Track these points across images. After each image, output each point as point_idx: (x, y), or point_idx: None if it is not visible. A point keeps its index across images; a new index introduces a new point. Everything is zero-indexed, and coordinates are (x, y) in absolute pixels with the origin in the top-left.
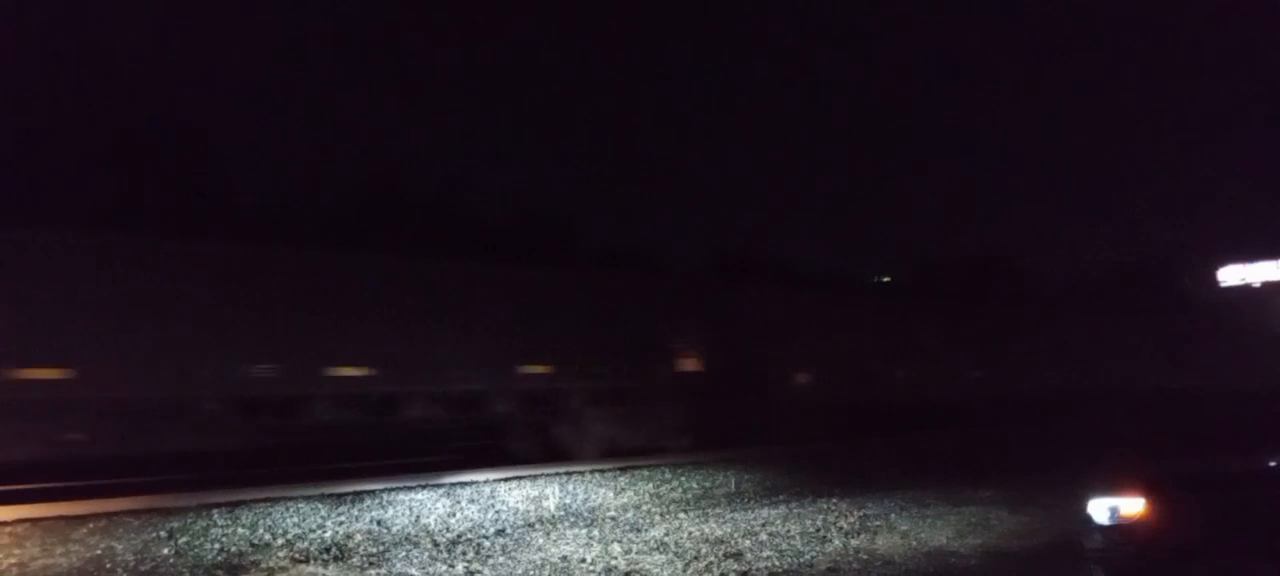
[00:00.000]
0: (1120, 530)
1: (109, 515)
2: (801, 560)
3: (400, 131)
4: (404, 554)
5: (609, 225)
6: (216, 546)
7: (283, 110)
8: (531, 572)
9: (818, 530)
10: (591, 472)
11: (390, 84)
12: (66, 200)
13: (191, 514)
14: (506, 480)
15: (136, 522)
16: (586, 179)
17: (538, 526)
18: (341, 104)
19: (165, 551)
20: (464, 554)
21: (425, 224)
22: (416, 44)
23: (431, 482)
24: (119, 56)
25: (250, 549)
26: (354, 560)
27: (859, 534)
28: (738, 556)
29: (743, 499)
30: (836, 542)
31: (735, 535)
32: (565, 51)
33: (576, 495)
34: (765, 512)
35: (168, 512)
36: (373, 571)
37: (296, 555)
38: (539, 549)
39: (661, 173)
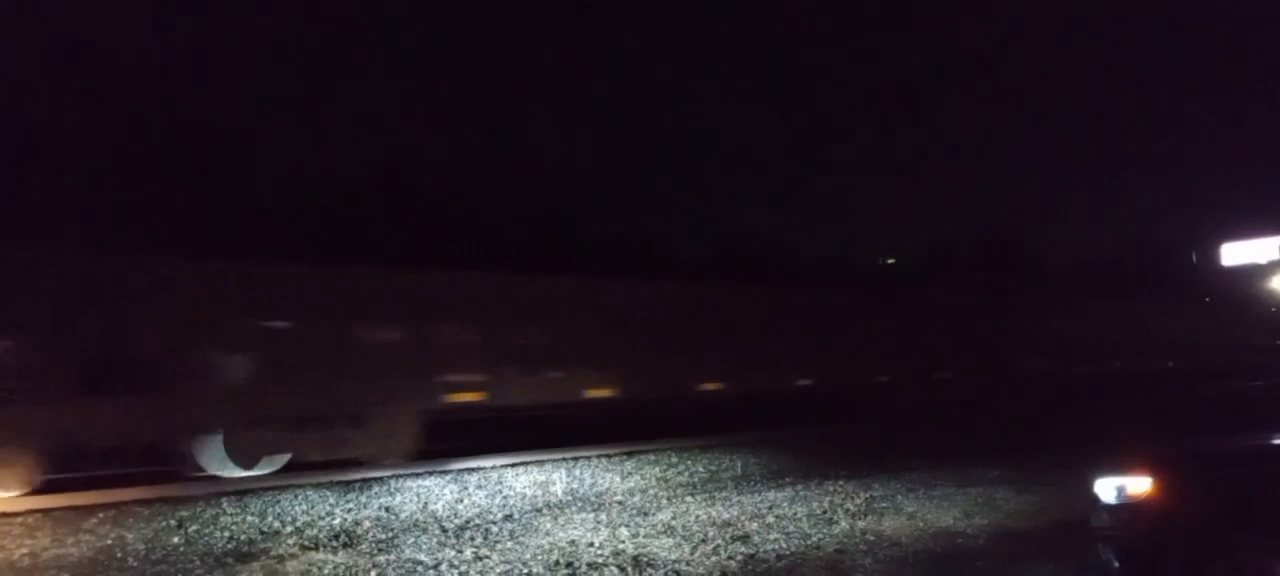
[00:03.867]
0: (1127, 508)
1: (119, 505)
2: (808, 542)
3: (400, 126)
4: (413, 540)
5: (612, 214)
6: (226, 534)
7: (281, 106)
8: (539, 557)
9: (824, 512)
10: (598, 457)
11: (390, 77)
12: (69, 202)
13: (201, 503)
14: (513, 465)
15: (146, 512)
16: (587, 168)
17: (545, 511)
18: (341, 97)
19: (175, 540)
20: (472, 539)
21: (428, 218)
22: (416, 37)
23: (438, 469)
24: (118, 55)
25: (260, 536)
26: (363, 546)
27: (866, 515)
28: (745, 539)
29: (749, 482)
30: (843, 524)
31: (742, 518)
32: (563, 43)
33: (583, 480)
34: (772, 495)
35: (177, 502)
36: (382, 557)
37: (306, 542)
38: (547, 533)
39: (664, 159)
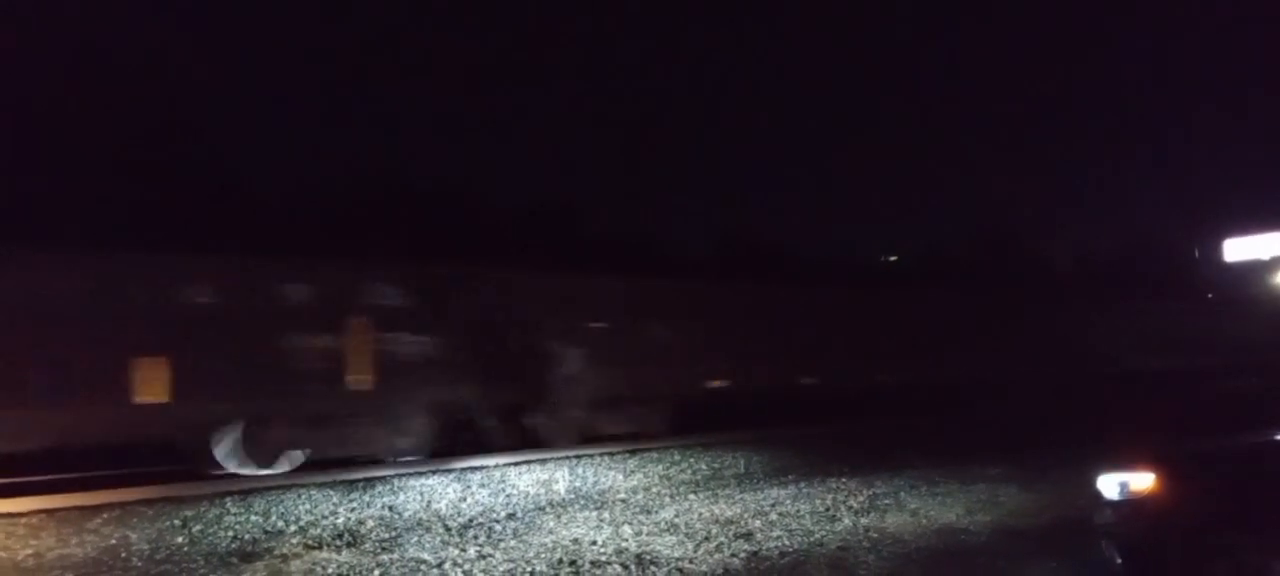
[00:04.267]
0: (1130, 505)
1: (123, 505)
2: (811, 539)
3: (400, 125)
4: (416, 539)
5: (611, 212)
6: (230, 534)
7: (280, 105)
8: (543, 555)
9: (827, 509)
10: (601, 455)
11: (389, 75)
12: (70, 206)
13: (205, 502)
14: (516, 464)
15: (150, 512)
16: (586, 165)
17: (548, 509)
18: (339, 96)
19: (179, 540)
20: (475, 537)
21: (430, 216)
22: (415, 35)
23: (442, 468)
24: (119, 57)
25: (264, 536)
26: (367, 545)
27: (868, 512)
28: (748, 536)
29: (752, 479)
30: (846, 521)
31: (745, 515)
32: (562, 39)
33: (586, 478)
34: (775, 492)
35: (181, 501)
36: (385, 556)
37: (309, 541)
38: (550, 531)
39: (664, 156)
